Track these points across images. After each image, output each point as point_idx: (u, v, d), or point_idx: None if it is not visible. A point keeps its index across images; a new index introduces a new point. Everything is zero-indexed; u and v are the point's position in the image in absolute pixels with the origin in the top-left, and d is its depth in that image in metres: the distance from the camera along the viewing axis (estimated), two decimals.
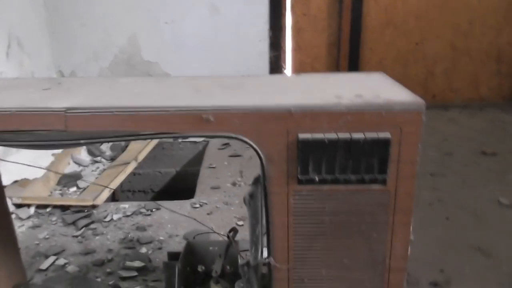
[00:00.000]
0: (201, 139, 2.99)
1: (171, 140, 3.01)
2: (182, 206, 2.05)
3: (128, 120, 0.81)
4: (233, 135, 0.82)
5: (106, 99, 0.89)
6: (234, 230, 1.36)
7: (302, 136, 0.81)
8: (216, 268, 1.26)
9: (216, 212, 1.97)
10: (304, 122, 0.80)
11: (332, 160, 0.82)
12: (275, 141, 0.82)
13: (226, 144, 2.84)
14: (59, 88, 0.98)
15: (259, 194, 0.87)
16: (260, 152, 0.82)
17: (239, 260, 0.95)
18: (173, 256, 1.30)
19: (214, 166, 2.52)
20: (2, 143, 0.87)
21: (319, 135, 0.80)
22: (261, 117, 0.80)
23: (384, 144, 0.80)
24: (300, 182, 0.85)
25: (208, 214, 1.96)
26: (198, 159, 2.88)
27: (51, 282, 1.37)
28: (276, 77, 1.76)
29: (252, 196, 0.87)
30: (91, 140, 0.84)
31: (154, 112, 0.81)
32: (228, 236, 1.31)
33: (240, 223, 1.87)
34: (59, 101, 0.85)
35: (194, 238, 1.51)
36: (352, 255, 0.89)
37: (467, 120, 3.11)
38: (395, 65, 3.21)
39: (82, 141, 0.84)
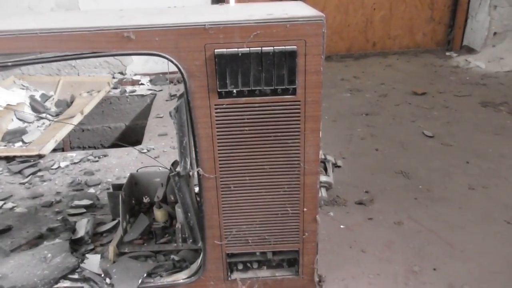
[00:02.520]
0: (148, 92, 3.01)
1: (118, 94, 3.01)
2: (129, 152, 2.10)
3: (52, 40, 0.86)
4: (155, 52, 0.88)
5: (31, 23, 0.92)
6: (176, 162, 1.45)
7: (218, 50, 0.89)
8: (159, 194, 1.35)
9: (163, 156, 2.05)
10: (219, 37, 0.88)
11: (247, 73, 0.91)
12: (194, 57, 0.89)
13: (174, 96, 2.88)
14: None
15: (184, 109, 0.96)
16: (181, 68, 0.90)
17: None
18: (117, 187, 1.37)
19: (161, 116, 2.57)
20: None
21: (233, 50, 0.89)
22: (179, 33, 0.87)
23: (291, 56, 0.90)
24: (220, 95, 0.93)
25: (155, 157, 2.03)
26: (146, 112, 2.91)
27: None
28: (202, 6, 1.80)
29: (177, 110, 0.95)
30: (17, 61, 0.88)
31: (77, 31, 0.86)
32: (170, 168, 1.40)
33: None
34: None
35: (137, 171, 1.57)
36: (272, 161, 1.01)
37: (403, 65, 3.31)
38: (337, 14, 3.32)
39: (9, 63, 0.88)
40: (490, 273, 1.25)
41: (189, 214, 1.05)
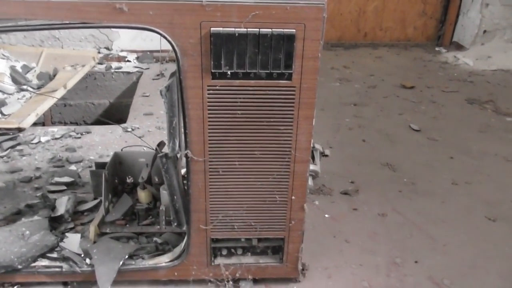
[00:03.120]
0: (135, 70, 2.94)
1: (103, 70, 2.93)
2: (113, 130, 2.05)
3: (38, 7, 0.81)
4: (148, 26, 0.85)
5: None
6: (162, 143, 1.41)
7: (214, 29, 0.85)
8: (143, 175, 1.32)
9: (148, 136, 2.01)
10: (216, 15, 0.84)
11: (242, 54, 0.88)
12: (189, 34, 0.86)
13: (160, 75, 2.82)
14: None
15: (175, 88, 0.92)
16: (174, 45, 0.86)
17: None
18: (100, 166, 1.33)
19: (147, 94, 2.52)
20: None
21: (230, 29, 0.86)
22: (174, 8, 0.83)
23: (289, 40, 0.87)
24: (213, 76, 0.90)
25: (139, 137, 1.99)
26: (132, 90, 2.84)
27: None
28: None
29: (168, 89, 0.92)
30: (2, 28, 0.83)
31: (66, 0, 0.81)
32: (156, 149, 1.36)
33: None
34: None
35: (122, 150, 1.53)
36: (263, 147, 0.98)
37: (393, 57, 3.31)
38: (330, 1, 3.28)
39: None
40: (470, 267, 1.27)
41: (175, 197, 1.02)
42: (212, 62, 0.88)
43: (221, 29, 0.85)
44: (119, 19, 0.83)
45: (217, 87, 0.91)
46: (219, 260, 1.12)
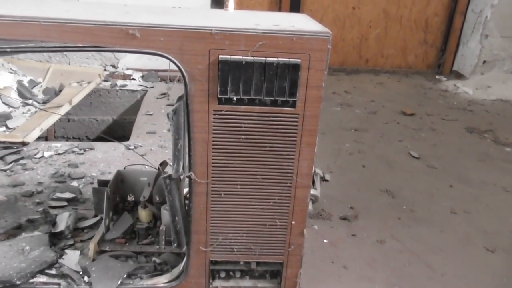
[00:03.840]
0: (139, 88, 2.98)
1: (108, 87, 2.97)
2: (116, 147, 2.07)
3: (54, 30, 0.84)
4: (158, 52, 0.87)
5: (33, 10, 0.90)
6: (164, 163, 1.43)
7: (222, 57, 0.88)
8: (145, 194, 1.33)
9: (150, 154, 2.02)
10: (224, 43, 0.87)
11: (248, 81, 0.91)
12: (197, 61, 0.89)
13: (164, 94, 2.86)
14: None
15: (182, 111, 0.95)
16: (183, 70, 0.89)
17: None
18: (103, 183, 1.35)
19: (151, 113, 2.55)
20: None
21: (237, 57, 0.88)
22: (185, 35, 0.86)
23: (294, 69, 0.90)
24: (220, 101, 0.93)
25: (142, 155, 2.01)
26: (135, 108, 2.87)
27: None
28: (208, 10, 1.79)
29: (175, 112, 0.94)
30: (16, 48, 0.86)
31: (81, 24, 0.84)
32: (158, 168, 1.38)
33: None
34: None
35: (124, 168, 1.55)
36: (265, 171, 1.00)
37: (394, 84, 3.36)
38: (333, 28, 3.35)
39: (8, 49, 0.85)
40: None
41: (176, 218, 1.03)
42: (218, 88, 0.91)
43: (229, 56, 0.88)
44: (131, 44, 0.86)
45: (223, 112, 0.94)
46: (217, 283, 1.13)
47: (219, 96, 0.92)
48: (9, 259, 1.10)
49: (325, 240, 1.49)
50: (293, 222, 1.05)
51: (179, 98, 0.98)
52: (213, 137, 0.96)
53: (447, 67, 3.51)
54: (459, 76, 3.43)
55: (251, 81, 0.90)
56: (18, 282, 1.04)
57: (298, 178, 1.01)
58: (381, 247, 1.47)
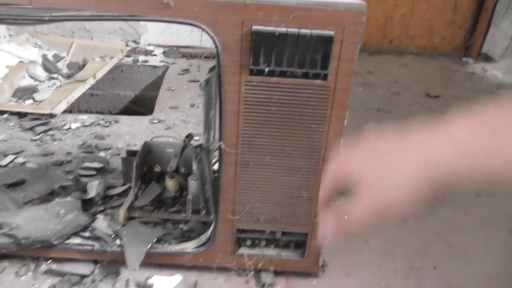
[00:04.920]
0: (161, 64, 3.00)
1: (130, 62, 3.00)
2: (140, 121, 2.11)
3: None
4: (192, 21, 0.88)
5: None
6: (190, 135, 1.46)
7: (256, 27, 0.89)
8: (172, 164, 1.36)
9: (173, 128, 2.06)
10: (258, 14, 0.88)
11: (281, 53, 0.91)
12: (230, 31, 0.89)
13: (186, 70, 2.87)
14: None
15: (214, 82, 0.96)
16: (216, 41, 0.90)
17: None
18: (131, 153, 1.38)
19: (173, 89, 2.57)
20: None
21: (271, 28, 0.89)
22: (219, 6, 0.87)
23: (327, 41, 0.90)
24: (251, 72, 0.94)
25: (166, 129, 2.04)
26: (157, 83, 2.90)
27: (13, 172, 1.43)
28: None
29: (207, 82, 0.96)
30: (54, 17, 0.88)
31: None
32: (184, 140, 1.41)
33: (197, 138, 1.97)
34: None
35: (151, 140, 1.58)
36: (293, 144, 1.02)
37: (418, 66, 3.30)
38: None
39: (45, 17, 0.88)
40: (489, 277, 1.28)
41: (206, 186, 1.06)
42: (251, 59, 0.92)
43: (262, 27, 0.89)
44: (165, 14, 0.88)
45: (254, 83, 0.95)
46: (243, 250, 1.16)
47: (251, 67, 0.93)
48: (46, 222, 1.15)
49: (346, 216, 1.51)
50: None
51: (211, 69, 0.99)
52: (244, 108, 0.97)
53: (475, 49, 3.42)
54: (488, 58, 3.34)
55: (283, 52, 0.91)
56: (55, 243, 1.09)
57: (326, 151, 1.02)
58: (403, 225, 1.48)
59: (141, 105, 3.03)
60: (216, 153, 1.08)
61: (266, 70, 0.93)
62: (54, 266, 1.17)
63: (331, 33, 0.89)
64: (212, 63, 1.15)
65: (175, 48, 3.23)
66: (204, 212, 1.10)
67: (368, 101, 2.59)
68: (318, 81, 0.95)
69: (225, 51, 0.91)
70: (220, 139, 1.01)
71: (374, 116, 2.39)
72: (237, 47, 0.91)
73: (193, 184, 1.26)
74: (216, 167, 1.13)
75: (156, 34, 3.32)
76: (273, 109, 0.98)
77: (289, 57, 0.92)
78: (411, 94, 2.75)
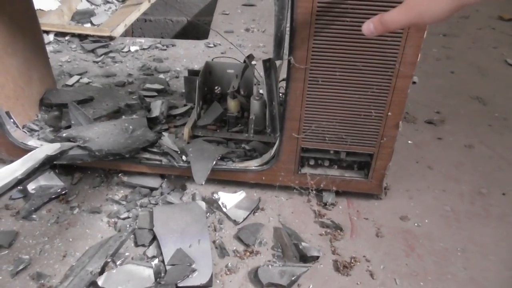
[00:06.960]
0: None
1: None
2: (196, 45, 2.09)
3: None
4: None
5: None
6: (251, 56, 1.42)
7: None
8: (234, 84, 1.35)
9: (229, 52, 2.02)
10: None
11: None
12: None
13: None
14: None
15: None
16: None
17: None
18: (192, 73, 1.38)
19: (227, 13, 2.50)
20: None
21: None
22: None
23: None
24: None
25: (222, 53, 2.02)
26: (210, 8, 2.83)
27: (81, 91, 1.48)
28: None
29: None
30: None
31: None
32: (245, 61, 1.38)
33: (254, 62, 1.93)
34: None
35: (212, 60, 1.57)
36: (366, 59, 0.96)
37: None
38: None
39: None
40: None
41: (273, 103, 1.05)
42: None
43: None
44: None
45: None
46: (306, 170, 1.16)
47: None
48: (116, 136, 1.20)
49: (409, 142, 1.46)
50: (389, 114, 1.03)
51: None
52: (316, 18, 0.92)
53: None
54: None
55: None
56: (127, 155, 1.14)
57: (401, 67, 0.96)
58: (469, 152, 1.42)
59: (194, 31, 2.99)
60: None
61: None
62: (125, 179, 1.24)
63: None
64: None
65: None
66: (269, 130, 1.10)
67: (433, 25, 2.39)
68: None
69: None
70: (290, 53, 0.97)
71: (440, 40, 2.23)
72: None
73: (255, 104, 1.25)
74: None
75: None
76: (347, 20, 0.92)
77: None
78: (481, 17, 2.51)
